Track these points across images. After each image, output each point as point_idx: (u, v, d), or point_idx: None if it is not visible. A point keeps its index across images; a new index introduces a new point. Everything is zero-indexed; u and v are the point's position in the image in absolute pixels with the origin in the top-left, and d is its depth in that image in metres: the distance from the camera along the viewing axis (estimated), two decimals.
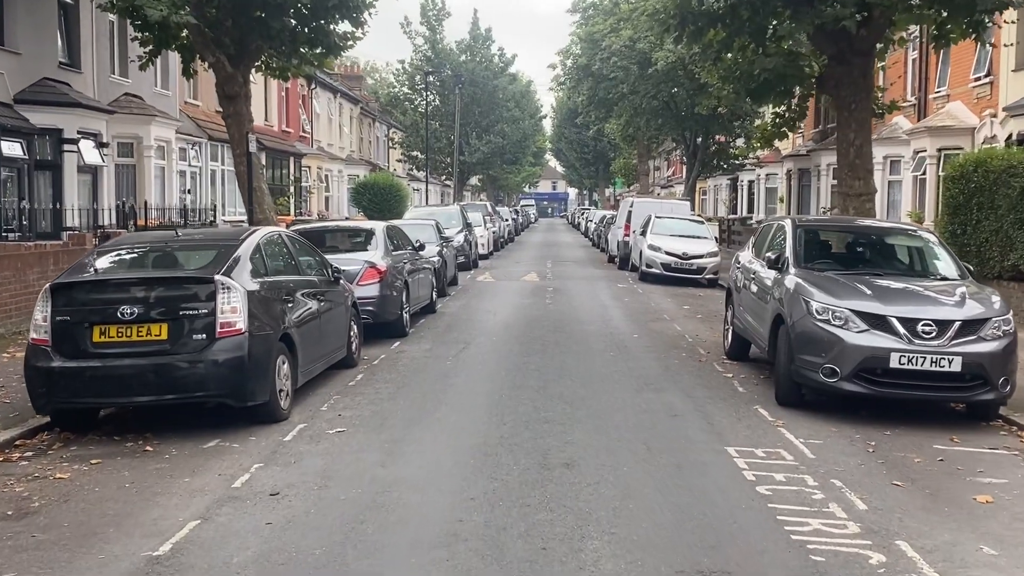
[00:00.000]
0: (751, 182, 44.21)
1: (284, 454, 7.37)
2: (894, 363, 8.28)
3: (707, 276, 23.15)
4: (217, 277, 7.86)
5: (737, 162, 38.00)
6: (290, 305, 8.83)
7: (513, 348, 12.58)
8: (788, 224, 10.71)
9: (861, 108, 15.07)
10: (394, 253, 14.03)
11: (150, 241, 9.07)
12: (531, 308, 17.35)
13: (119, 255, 8.63)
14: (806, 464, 7.21)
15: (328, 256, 13.30)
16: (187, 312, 7.73)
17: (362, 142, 53.01)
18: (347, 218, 39.42)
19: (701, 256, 23.24)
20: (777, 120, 16.19)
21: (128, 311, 7.55)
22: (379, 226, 14.32)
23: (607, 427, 8.20)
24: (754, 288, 10.86)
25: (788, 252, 10.05)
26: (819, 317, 8.72)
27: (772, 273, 10.10)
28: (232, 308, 7.81)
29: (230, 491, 6.39)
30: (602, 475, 6.74)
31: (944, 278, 9.72)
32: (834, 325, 8.61)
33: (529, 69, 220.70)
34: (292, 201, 35.95)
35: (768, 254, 10.28)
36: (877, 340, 8.41)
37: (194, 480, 6.67)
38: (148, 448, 7.55)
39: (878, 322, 8.51)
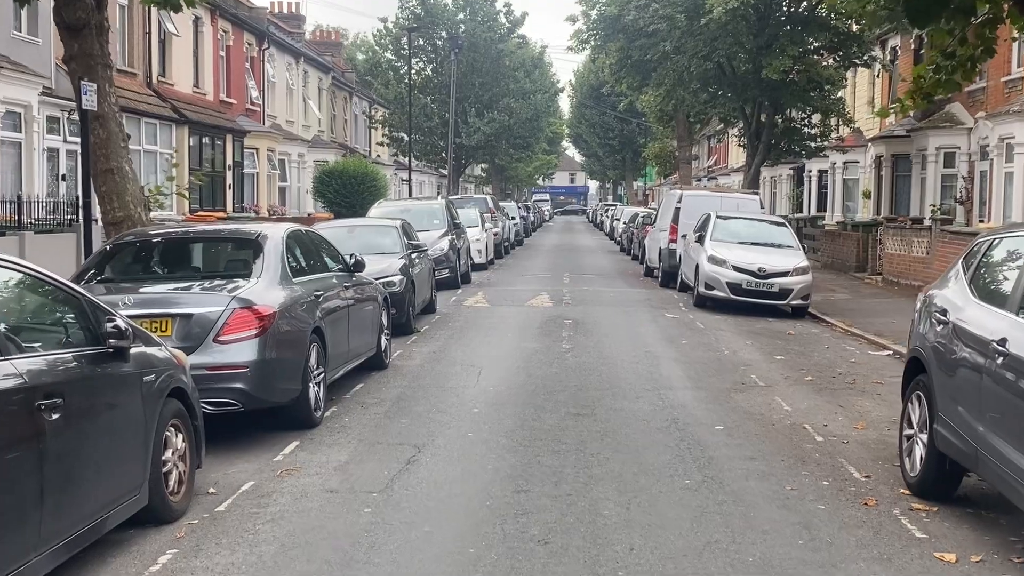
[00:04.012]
0: (822, 172, 39.33)
1: None
2: None
3: (793, 302, 18.20)
4: None
5: (815, 144, 32.92)
6: None
7: (501, 464, 7.62)
8: None
9: None
10: (299, 281, 9.13)
11: None
12: (539, 359, 12.46)
13: None
14: None
15: (173, 287, 8.63)
16: None
17: (334, 120, 48.04)
18: (310, 215, 34.80)
19: (786, 273, 18.26)
20: (943, 63, 11.23)
21: None
22: (275, 234, 9.34)
23: None
24: (1001, 372, 5.86)
25: None
26: None
27: None
28: None
29: None
30: None
31: None
32: None
33: (543, 34, 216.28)
34: (231, 192, 31.11)
35: None
36: None
37: None
38: None
39: None
